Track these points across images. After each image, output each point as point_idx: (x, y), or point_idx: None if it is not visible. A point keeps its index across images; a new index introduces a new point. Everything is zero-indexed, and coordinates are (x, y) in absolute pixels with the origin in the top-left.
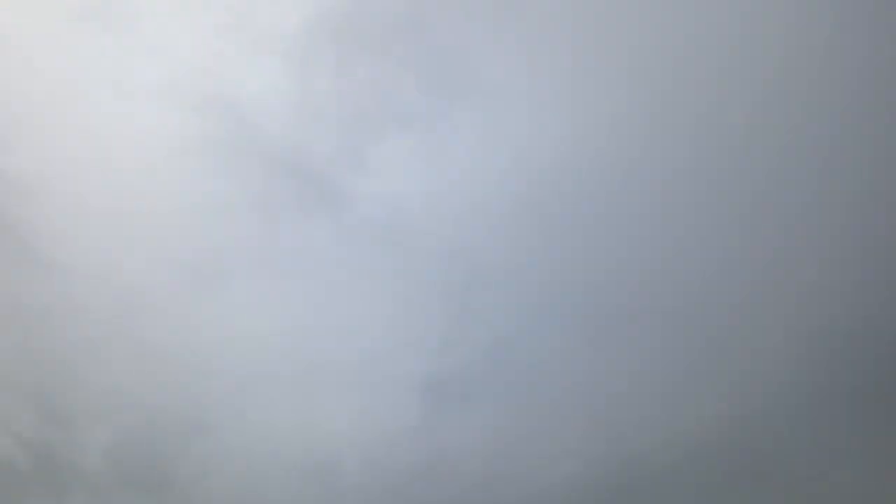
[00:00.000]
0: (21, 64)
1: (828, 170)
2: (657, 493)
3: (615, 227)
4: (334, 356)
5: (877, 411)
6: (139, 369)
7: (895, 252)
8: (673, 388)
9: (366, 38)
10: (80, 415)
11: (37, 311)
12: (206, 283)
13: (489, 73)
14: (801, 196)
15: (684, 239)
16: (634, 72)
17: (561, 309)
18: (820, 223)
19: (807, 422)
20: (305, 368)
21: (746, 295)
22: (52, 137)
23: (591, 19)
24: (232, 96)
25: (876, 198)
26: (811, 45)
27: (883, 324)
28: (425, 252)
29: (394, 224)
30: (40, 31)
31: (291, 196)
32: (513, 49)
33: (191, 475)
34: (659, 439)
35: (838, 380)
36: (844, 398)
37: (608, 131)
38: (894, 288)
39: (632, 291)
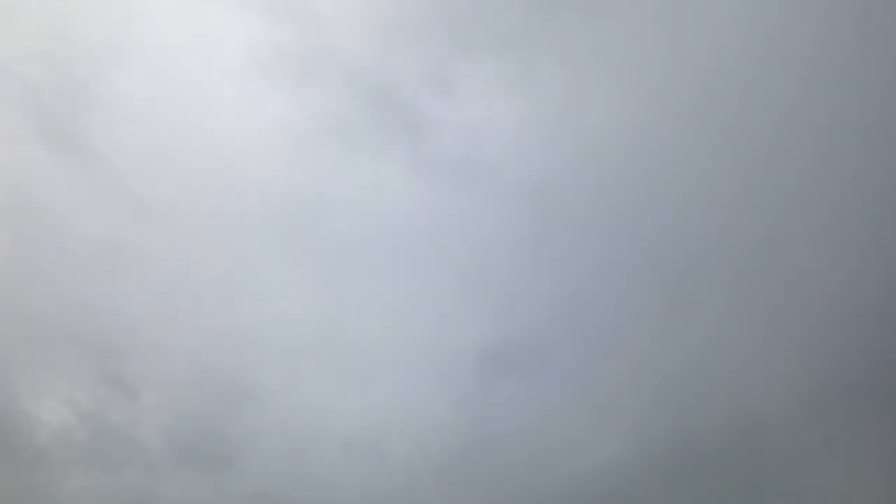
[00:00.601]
0: None
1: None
2: (713, 473)
3: (713, 181)
4: (391, 325)
5: None
6: (197, 329)
7: None
8: (747, 362)
9: None
10: (138, 379)
11: (104, 251)
12: (270, 233)
13: None
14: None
15: (776, 213)
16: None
17: (643, 268)
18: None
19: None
20: (360, 339)
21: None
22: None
23: None
24: (310, 2)
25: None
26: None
27: None
28: (502, 191)
29: (473, 158)
30: None
31: (370, 124)
32: None
33: (241, 444)
34: (721, 417)
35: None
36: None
37: (715, 78)
38: None
39: (724, 259)
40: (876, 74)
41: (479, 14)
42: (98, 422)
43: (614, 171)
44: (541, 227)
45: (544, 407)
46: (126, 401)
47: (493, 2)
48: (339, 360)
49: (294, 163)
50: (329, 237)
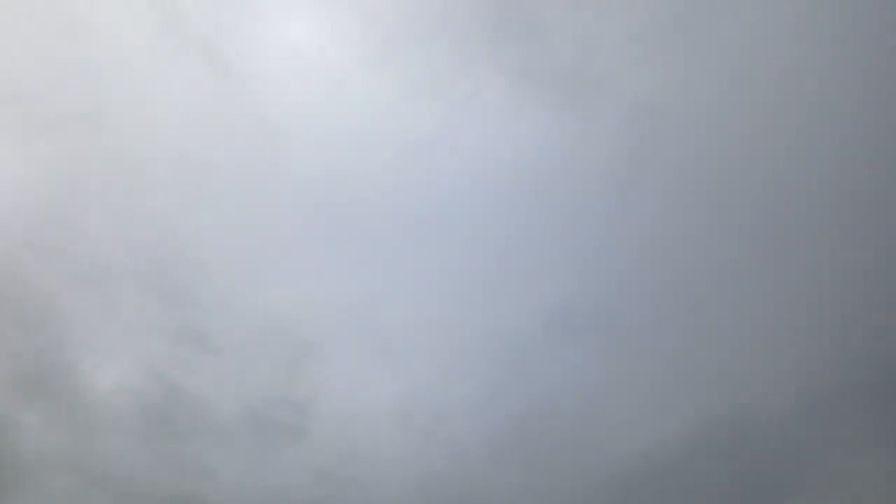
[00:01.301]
0: None
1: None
2: (762, 451)
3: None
4: (452, 295)
5: None
6: (264, 284)
7: None
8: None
9: None
10: (209, 333)
11: (189, 174)
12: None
13: None
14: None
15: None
16: None
17: (737, 214)
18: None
19: None
20: (416, 312)
21: None
22: None
23: None
24: None
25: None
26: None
27: None
28: (603, 113)
29: (582, 70)
30: None
31: (481, 21)
32: None
33: (306, 413)
34: (778, 392)
35: None
36: None
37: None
38: None
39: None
40: None
41: None
42: (169, 385)
43: (723, 96)
44: (637, 160)
45: (602, 380)
46: (198, 358)
47: None
48: (395, 333)
49: (384, 66)
50: (403, 176)
